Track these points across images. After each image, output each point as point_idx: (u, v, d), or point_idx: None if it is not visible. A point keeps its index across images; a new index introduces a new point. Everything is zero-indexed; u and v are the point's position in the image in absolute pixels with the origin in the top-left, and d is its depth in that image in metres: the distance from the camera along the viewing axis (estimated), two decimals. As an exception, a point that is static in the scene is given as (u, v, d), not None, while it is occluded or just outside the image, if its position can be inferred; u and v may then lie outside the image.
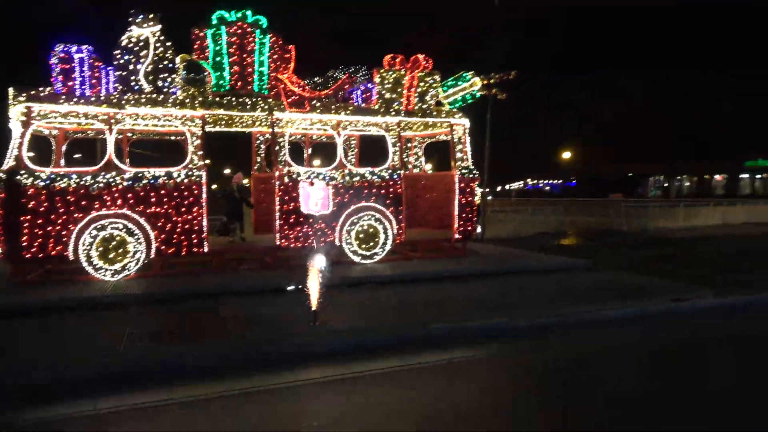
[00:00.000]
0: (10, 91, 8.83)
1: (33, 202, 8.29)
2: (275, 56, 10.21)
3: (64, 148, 10.43)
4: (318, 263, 6.44)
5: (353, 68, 10.93)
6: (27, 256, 8.35)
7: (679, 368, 5.56)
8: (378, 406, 4.56)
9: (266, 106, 9.84)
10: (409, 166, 12.74)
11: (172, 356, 5.43)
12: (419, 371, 5.33)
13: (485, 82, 14.29)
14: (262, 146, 12.22)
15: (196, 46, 9.87)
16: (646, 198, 48.58)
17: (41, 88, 8.72)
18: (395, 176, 10.52)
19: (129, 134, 11.12)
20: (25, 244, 8.28)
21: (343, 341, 5.95)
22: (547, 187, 71.58)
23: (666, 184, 57.34)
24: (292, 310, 6.87)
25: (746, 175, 51.67)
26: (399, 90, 10.63)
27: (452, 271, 9.81)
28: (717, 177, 53.41)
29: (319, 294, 6.37)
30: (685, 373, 5.38)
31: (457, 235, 11.01)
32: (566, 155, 48.81)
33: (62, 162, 10.30)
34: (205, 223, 9.26)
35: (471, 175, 11.13)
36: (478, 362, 5.75)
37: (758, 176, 51.14)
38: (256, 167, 12.24)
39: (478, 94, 11.63)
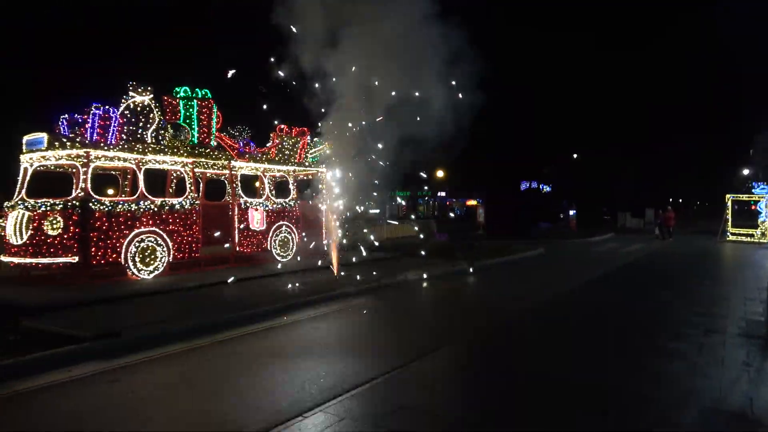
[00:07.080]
0: (49, 136, 11.44)
1: (98, 222, 11.32)
2: (216, 119, 14.88)
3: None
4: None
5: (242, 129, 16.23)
6: (94, 263, 11.27)
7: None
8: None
9: (225, 156, 14.46)
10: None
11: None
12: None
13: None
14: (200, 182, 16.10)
15: (168, 110, 13.81)
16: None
17: (85, 137, 11.68)
18: (293, 204, 16.25)
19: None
20: (92, 253, 11.22)
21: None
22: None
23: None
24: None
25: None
26: (295, 149, 16.47)
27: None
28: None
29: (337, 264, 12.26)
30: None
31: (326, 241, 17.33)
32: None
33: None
34: (200, 236, 13.38)
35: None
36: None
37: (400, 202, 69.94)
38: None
39: (328, 152, 18.25)
